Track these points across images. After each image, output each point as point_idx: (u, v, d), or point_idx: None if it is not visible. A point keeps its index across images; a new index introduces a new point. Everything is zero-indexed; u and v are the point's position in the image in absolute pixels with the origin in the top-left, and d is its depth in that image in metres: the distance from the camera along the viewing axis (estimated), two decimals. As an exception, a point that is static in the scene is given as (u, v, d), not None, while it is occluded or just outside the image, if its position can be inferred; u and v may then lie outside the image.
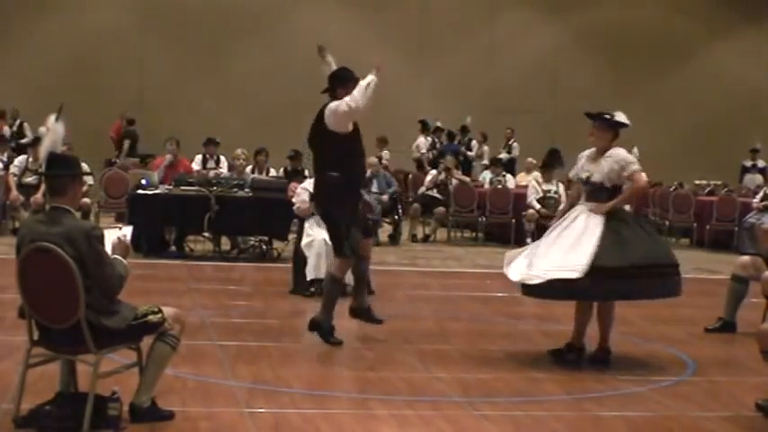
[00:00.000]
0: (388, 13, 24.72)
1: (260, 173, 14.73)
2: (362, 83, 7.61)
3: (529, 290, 7.60)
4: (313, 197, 8.40)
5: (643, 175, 7.61)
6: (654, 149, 23.54)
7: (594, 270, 7.12)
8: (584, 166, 7.66)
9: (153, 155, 18.96)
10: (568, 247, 7.33)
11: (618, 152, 7.56)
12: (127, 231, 5.68)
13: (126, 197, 13.71)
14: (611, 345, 7.72)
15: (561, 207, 8.15)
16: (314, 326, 7.82)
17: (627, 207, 8.01)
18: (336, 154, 7.67)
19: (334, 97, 7.72)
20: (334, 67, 8.00)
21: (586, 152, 7.73)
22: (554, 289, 7.31)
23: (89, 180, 13.57)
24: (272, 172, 15.52)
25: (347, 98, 7.57)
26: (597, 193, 7.50)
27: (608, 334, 7.69)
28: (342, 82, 7.73)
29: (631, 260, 7.22)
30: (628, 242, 7.30)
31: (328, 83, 7.84)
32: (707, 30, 26.37)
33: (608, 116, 7.62)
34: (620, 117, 7.67)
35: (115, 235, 5.53)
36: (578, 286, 7.19)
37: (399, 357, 7.52)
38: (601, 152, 7.56)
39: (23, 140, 19.20)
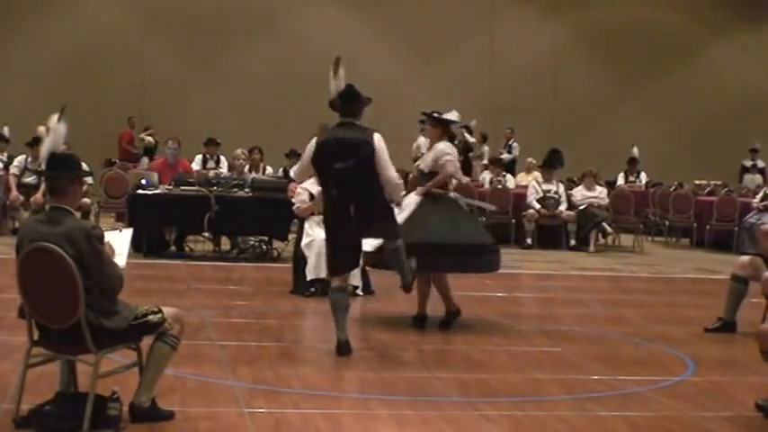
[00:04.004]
0: (389, 13, 24.73)
1: (255, 171, 14.73)
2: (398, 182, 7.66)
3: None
4: (366, 226, 7.47)
5: (450, 165, 8.58)
6: (654, 149, 23.61)
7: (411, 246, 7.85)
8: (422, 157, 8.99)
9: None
10: None
11: (438, 145, 8.64)
12: (127, 233, 5.68)
13: (126, 197, 13.71)
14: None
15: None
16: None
17: (453, 194, 8.93)
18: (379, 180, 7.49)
19: (354, 116, 7.46)
20: (343, 84, 7.60)
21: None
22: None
23: (89, 180, 13.57)
24: (269, 169, 15.52)
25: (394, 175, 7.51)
26: (422, 178, 8.74)
27: (448, 300, 8.71)
28: (366, 102, 7.56)
29: (444, 238, 8.34)
30: (449, 222, 8.48)
31: (351, 102, 7.47)
32: (707, 30, 26.38)
33: (436, 114, 8.67)
34: (450, 115, 8.71)
35: (115, 237, 5.53)
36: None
37: (399, 357, 7.52)
38: (432, 146, 8.81)
39: None
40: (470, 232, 8.70)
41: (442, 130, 8.68)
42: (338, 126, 7.50)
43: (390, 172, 7.43)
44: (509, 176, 18.61)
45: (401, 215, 8.28)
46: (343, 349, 7.42)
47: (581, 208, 16.36)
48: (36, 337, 5.27)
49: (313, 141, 7.51)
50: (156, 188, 13.03)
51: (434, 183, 8.64)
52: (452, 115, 8.65)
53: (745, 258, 9.11)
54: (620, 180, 19.76)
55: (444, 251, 8.34)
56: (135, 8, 23.96)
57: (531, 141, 22.37)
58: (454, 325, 8.73)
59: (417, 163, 9.00)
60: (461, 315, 8.81)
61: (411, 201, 8.64)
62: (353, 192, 7.32)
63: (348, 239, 7.47)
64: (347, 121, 7.47)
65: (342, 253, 7.52)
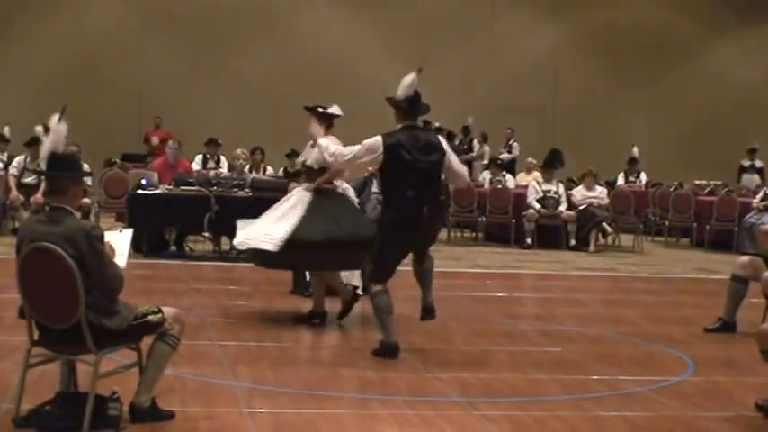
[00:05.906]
0: (389, 13, 24.70)
1: (256, 172, 14.73)
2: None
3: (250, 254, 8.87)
4: (431, 223, 7.57)
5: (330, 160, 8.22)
6: (654, 149, 23.61)
7: (292, 243, 8.21)
8: (305, 152, 8.83)
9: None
10: (275, 219, 8.51)
11: (323, 141, 8.16)
12: (127, 234, 5.68)
13: (126, 197, 13.71)
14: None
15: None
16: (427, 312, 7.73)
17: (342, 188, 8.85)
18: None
19: (416, 119, 7.71)
20: (413, 90, 7.58)
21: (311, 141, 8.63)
22: (258, 258, 8.67)
23: (87, 181, 13.56)
24: (270, 170, 15.52)
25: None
26: (311, 174, 8.60)
27: (342, 298, 8.53)
28: (425, 110, 7.80)
29: (328, 234, 8.28)
30: (333, 218, 8.40)
31: (419, 107, 7.60)
32: (707, 30, 26.37)
33: (320, 109, 8.47)
34: (333, 110, 8.53)
35: (115, 237, 5.53)
36: (275, 257, 8.38)
37: (399, 357, 7.52)
38: (314, 141, 8.40)
39: None
40: (354, 228, 8.44)
41: (327, 125, 8.46)
42: (407, 128, 7.54)
43: (461, 167, 7.91)
44: (509, 176, 18.61)
45: (294, 213, 8.44)
46: (393, 353, 7.39)
47: (581, 208, 16.36)
48: (36, 337, 5.28)
49: (379, 139, 7.47)
50: (156, 188, 13.04)
51: (325, 179, 8.57)
52: (335, 110, 8.54)
53: (745, 258, 9.11)
54: (620, 180, 19.76)
55: (328, 248, 8.32)
56: (135, 8, 23.95)
57: (531, 141, 22.36)
58: (315, 323, 8.68)
59: (304, 159, 8.77)
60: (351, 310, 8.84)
61: (303, 197, 8.59)
62: (429, 192, 7.46)
63: (412, 244, 7.46)
64: (414, 124, 7.63)
65: (397, 260, 7.50)
